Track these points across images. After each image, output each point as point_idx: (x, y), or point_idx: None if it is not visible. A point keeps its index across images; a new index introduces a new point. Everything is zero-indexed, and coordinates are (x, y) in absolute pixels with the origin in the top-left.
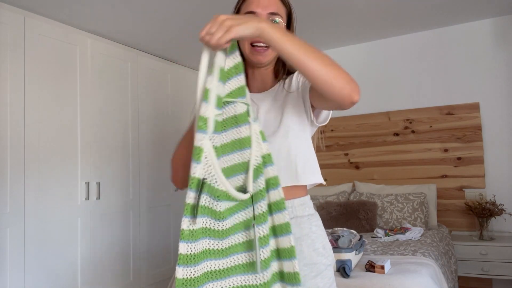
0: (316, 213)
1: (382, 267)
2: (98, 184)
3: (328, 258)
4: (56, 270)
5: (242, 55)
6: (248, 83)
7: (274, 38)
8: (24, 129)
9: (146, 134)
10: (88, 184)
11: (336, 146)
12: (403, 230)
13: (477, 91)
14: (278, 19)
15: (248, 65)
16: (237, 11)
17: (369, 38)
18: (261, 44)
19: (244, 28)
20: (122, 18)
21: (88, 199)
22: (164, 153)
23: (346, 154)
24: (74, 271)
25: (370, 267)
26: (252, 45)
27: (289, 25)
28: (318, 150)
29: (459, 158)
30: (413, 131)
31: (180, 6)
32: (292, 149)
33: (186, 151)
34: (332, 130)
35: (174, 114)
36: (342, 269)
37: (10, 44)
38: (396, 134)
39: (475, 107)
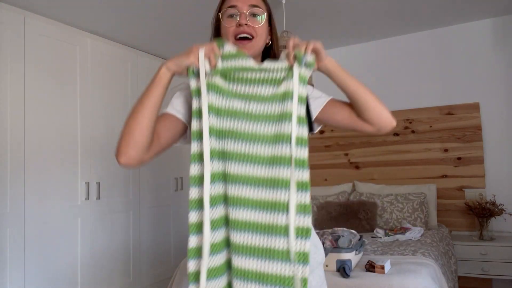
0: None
1: (382, 267)
2: (98, 184)
3: (319, 256)
4: (56, 270)
5: None
6: None
7: (340, 67)
8: (24, 129)
9: None
10: (88, 184)
11: (336, 146)
12: (403, 230)
13: (477, 91)
14: (259, 12)
15: None
16: (219, 8)
17: (369, 38)
18: (245, 35)
19: (321, 48)
20: (122, 18)
21: (88, 199)
22: (164, 153)
23: (346, 154)
24: (74, 271)
25: (370, 267)
26: (236, 38)
27: (270, 24)
28: (318, 150)
29: (459, 158)
30: (413, 131)
31: (180, 6)
32: None
33: (148, 112)
34: (332, 130)
35: None
36: (342, 269)
37: (10, 44)
38: (396, 134)
39: (475, 107)
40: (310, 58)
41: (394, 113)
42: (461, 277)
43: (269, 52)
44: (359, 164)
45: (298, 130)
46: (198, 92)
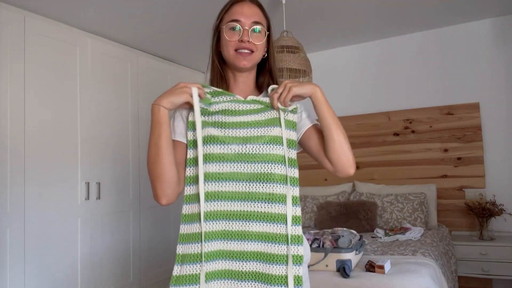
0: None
1: (382, 267)
2: (98, 184)
3: (306, 256)
4: (56, 270)
5: (223, 61)
6: (229, 88)
7: (322, 101)
8: (24, 129)
9: (146, 134)
10: (88, 184)
11: None
12: (403, 230)
13: (477, 91)
14: (261, 29)
15: (229, 71)
16: (220, 20)
17: (369, 38)
18: (246, 51)
19: (301, 88)
20: (122, 18)
21: (88, 199)
22: None
23: None
24: (74, 271)
25: (370, 267)
26: (236, 50)
27: (268, 37)
28: None
29: (459, 158)
30: (413, 131)
31: (180, 6)
32: None
33: (163, 151)
34: None
35: None
36: (342, 269)
37: (10, 44)
38: (396, 134)
39: (475, 107)
40: (292, 107)
41: (394, 113)
42: (461, 277)
43: (264, 64)
44: (359, 164)
45: (289, 171)
46: (193, 124)
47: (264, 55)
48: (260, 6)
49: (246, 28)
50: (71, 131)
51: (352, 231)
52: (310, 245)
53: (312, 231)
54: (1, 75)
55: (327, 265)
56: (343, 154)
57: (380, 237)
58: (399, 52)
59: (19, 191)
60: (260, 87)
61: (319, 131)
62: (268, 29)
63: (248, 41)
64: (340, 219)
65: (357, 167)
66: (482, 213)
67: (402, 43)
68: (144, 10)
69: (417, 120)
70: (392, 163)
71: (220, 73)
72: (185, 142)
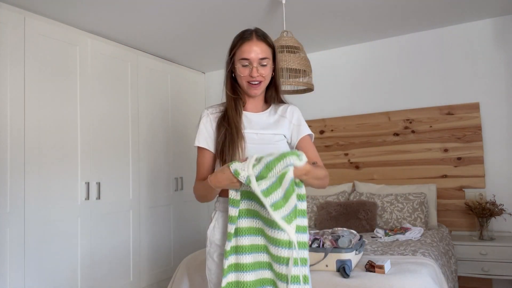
0: None
1: (382, 267)
2: (98, 184)
3: None
4: (56, 270)
5: (238, 86)
6: (246, 106)
7: (310, 179)
8: (24, 129)
9: (146, 134)
10: (88, 184)
11: (336, 146)
12: (403, 230)
13: (477, 91)
14: (267, 62)
15: (245, 94)
16: (232, 54)
17: (369, 38)
18: (256, 82)
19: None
20: (122, 18)
21: (88, 199)
22: (164, 153)
23: (346, 154)
24: (74, 271)
25: (370, 267)
26: (249, 82)
27: (274, 59)
28: (318, 150)
29: (459, 158)
30: (413, 131)
31: (180, 6)
32: (281, 149)
33: (203, 193)
34: (332, 130)
35: (174, 114)
36: (342, 269)
37: (10, 44)
38: (396, 134)
39: (475, 107)
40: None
41: (394, 113)
42: (461, 277)
43: (271, 81)
44: (359, 164)
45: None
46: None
47: (272, 75)
48: (265, 40)
49: (255, 66)
50: (71, 131)
51: (352, 231)
52: (310, 245)
53: (312, 231)
54: (1, 75)
55: (327, 265)
56: (318, 187)
57: (380, 237)
58: (399, 52)
59: (19, 191)
60: (268, 100)
61: (307, 145)
62: (274, 54)
63: (257, 76)
64: (340, 219)
65: (357, 167)
66: (482, 213)
67: (402, 43)
68: (144, 10)
69: (417, 120)
70: (392, 163)
71: (237, 95)
72: (209, 148)
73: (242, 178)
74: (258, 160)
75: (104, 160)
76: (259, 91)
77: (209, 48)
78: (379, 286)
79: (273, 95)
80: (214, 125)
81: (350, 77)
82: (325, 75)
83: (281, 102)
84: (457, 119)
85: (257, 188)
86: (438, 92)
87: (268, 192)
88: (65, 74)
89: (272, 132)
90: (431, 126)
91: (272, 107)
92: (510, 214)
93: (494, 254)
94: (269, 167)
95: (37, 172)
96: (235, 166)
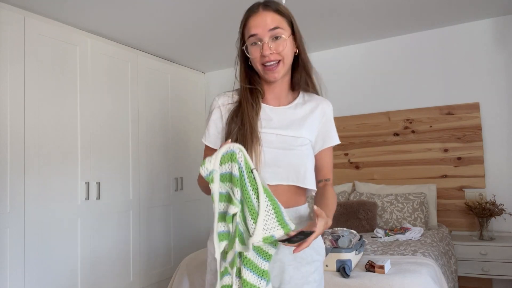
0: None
1: (382, 267)
2: (98, 184)
3: (322, 256)
4: (56, 270)
5: (257, 75)
6: (265, 97)
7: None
8: (24, 129)
9: (146, 134)
10: (88, 184)
11: (336, 146)
12: (403, 230)
13: (477, 91)
14: (281, 33)
15: (263, 81)
16: (242, 35)
17: (369, 38)
18: (271, 63)
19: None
20: (122, 18)
21: (88, 199)
22: (164, 153)
23: (346, 154)
24: (74, 271)
25: (370, 267)
26: (263, 64)
27: (294, 33)
28: None
29: (459, 158)
30: (413, 131)
31: (180, 6)
32: (304, 158)
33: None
34: None
35: (174, 114)
36: (342, 269)
37: (10, 44)
38: (396, 134)
39: (475, 107)
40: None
41: (394, 113)
42: (461, 277)
43: (297, 60)
44: (359, 164)
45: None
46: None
47: (295, 52)
48: (275, 9)
49: (265, 41)
50: (71, 131)
51: (352, 231)
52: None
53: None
54: (1, 75)
55: (327, 265)
56: None
57: (380, 237)
58: (399, 52)
59: (19, 191)
60: (294, 86)
61: (326, 157)
62: (292, 25)
63: (270, 53)
64: (340, 219)
65: (357, 167)
66: (482, 213)
67: (402, 43)
68: (144, 10)
69: (417, 120)
70: (392, 163)
71: (250, 86)
72: (217, 148)
73: (204, 171)
74: (243, 158)
75: (104, 160)
76: (279, 73)
77: (209, 48)
78: (379, 286)
79: (302, 78)
80: (225, 119)
81: (350, 77)
82: (325, 75)
83: (315, 89)
84: (457, 119)
85: (217, 188)
86: (438, 92)
87: (226, 198)
88: (65, 74)
89: (294, 134)
90: (431, 126)
91: (301, 97)
92: (510, 214)
93: (494, 254)
94: (245, 188)
95: (37, 172)
96: (209, 158)
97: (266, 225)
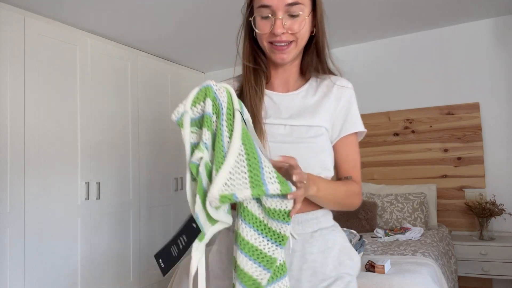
0: (337, 223)
1: (382, 267)
2: (98, 184)
3: (354, 269)
4: (56, 270)
5: (262, 54)
6: (271, 82)
7: (319, 196)
8: (24, 129)
9: (146, 134)
10: (88, 184)
11: None
12: (403, 230)
13: (477, 91)
14: (299, 10)
15: (270, 62)
16: (250, 3)
17: (369, 38)
18: (282, 44)
19: (310, 189)
20: (122, 18)
21: (88, 199)
22: (164, 153)
23: None
24: (74, 271)
25: (370, 267)
26: (271, 43)
27: (314, 10)
28: None
29: (459, 158)
30: (413, 131)
31: (180, 6)
32: (319, 152)
33: None
34: None
35: None
36: None
37: (10, 44)
38: (396, 134)
39: (475, 107)
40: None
41: (394, 113)
42: (461, 277)
43: (311, 41)
44: None
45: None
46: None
47: (312, 32)
48: None
49: (279, 16)
50: (71, 131)
51: (352, 231)
52: None
53: None
54: (1, 75)
55: None
56: (340, 208)
57: (380, 237)
58: (399, 52)
59: (19, 191)
60: (305, 70)
61: (351, 149)
62: (313, 2)
63: (282, 33)
64: (340, 219)
65: None
66: (482, 213)
67: (402, 43)
68: (144, 10)
69: (417, 120)
70: (392, 163)
71: (259, 66)
72: None
73: (175, 115)
74: (226, 95)
75: (104, 160)
76: (288, 55)
77: (209, 48)
78: (379, 286)
79: (313, 62)
80: None
81: (350, 77)
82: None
83: (328, 72)
84: (457, 119)
85: (188, 134)
86: (438, 92)
87: (197, 147)
88: (65, 74)
89: (306, 123)
90: (431, 126)
91: (311, 82)
92: (510, 214)
93: (494, 254)
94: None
95: (37, 172)
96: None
97: (231, 180)
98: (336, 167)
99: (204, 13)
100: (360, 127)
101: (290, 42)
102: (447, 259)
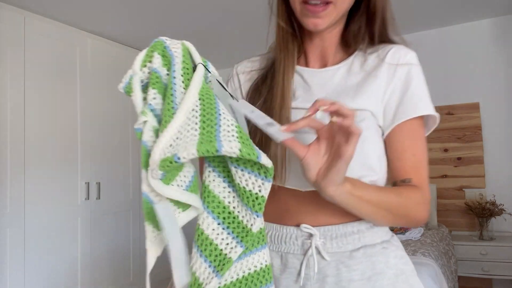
0: (395, 236)
1: None
2: (98, 184)
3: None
4: (56, 270)
5: (295, 19)
6: (304, 55)
7: (356, 198)
8: (24, 129)
9: None
10: (88, 184)
11: None
12: (403, 230)
13: (477, 91)
14: None
15: (305, 30)
16: None
17: None
18: (316, 1)
19: (338, 176)
20: (122, 18)
21: (88, 199)
22: None
23: None
24: (74, 271)
25: None
26: (304, 2)
27: None
28: None
29: (459, 158)
30: None
31: (180, 7)
32: (360, 143)
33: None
34: None
35: None
36: None
37: (10, 44)
38: None
39: (475, 107)
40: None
41: None
42: (461, 277)
43: (359, 5)
44: None
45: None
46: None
47: None
48: None
49: None
50: (71, 131)
51: None
52: None
53: None
54: (1, 75)
55: None
56: (400, 224)
57: None
58: None
59: (19, 191)
60: (350, 41)
61: (407, 137)
62: None
63: None
64: None
65: None
66: (482, 213)
67: None
68: (144, 10)
69: None
70: None
71: (289, 36)
72: None
73: (122, 82)
74: (180, 49)
75: (104, 160)
76: (324, 20)
77: (210, 48)
78: None
79: (361, 31)
80: (244, 90)
81: None
82: None
83: (386, 42)
84: (457, 119)
85: (139, 98)
86: (438, 92)
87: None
88: (65, 74)
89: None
90: None
91: (356, 56)
92: (510, 214)
93: (494, 254)
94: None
95: (37, 172)
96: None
97: (178, 140)
98: (390, 168)
99: (204, 14)
100: (424, 109)
101: (328, 3)
102: (447, 259)
